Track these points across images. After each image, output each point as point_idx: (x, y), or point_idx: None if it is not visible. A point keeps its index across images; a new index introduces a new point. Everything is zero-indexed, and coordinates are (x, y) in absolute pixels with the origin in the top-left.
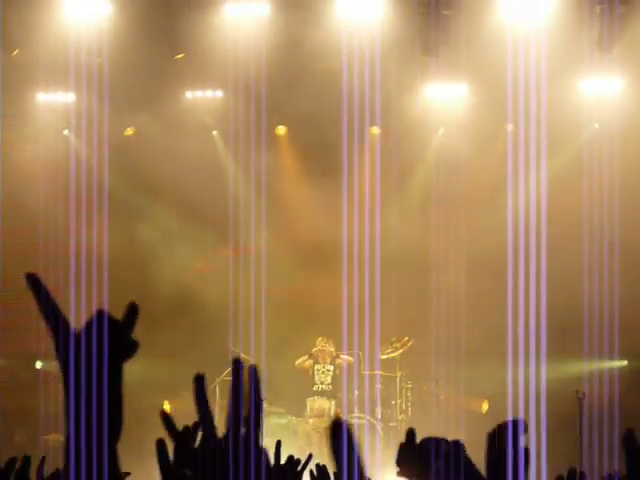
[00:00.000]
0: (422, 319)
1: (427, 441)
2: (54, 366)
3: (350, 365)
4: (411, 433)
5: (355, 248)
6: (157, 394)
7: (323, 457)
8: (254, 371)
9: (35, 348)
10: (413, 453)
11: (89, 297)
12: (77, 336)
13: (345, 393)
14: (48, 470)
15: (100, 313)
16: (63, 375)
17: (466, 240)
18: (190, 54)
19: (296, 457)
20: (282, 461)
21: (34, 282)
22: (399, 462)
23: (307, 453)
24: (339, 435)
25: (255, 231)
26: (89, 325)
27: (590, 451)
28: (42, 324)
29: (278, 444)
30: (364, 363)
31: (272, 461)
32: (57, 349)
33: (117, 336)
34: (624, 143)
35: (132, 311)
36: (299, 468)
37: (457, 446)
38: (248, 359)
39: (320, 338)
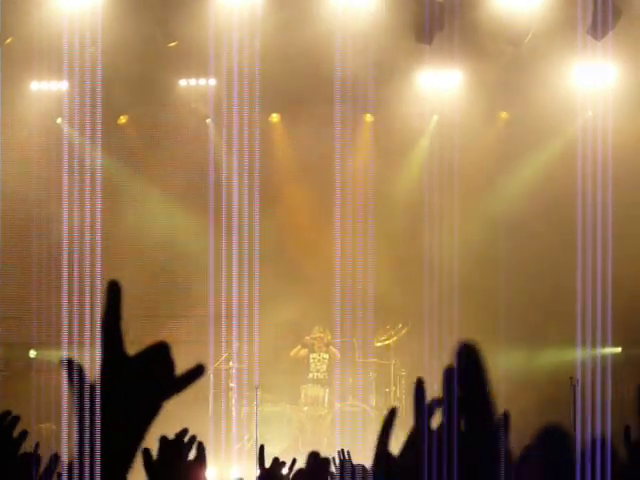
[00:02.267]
0: (416, 306)
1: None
2: (47, 355)
3: (334, 358)
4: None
5: (349, 234)
6: None
7: (316, 444)
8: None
9: (29, 337)
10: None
11: (81, 283)
12: (130, 360)
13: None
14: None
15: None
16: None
17: (460, 228)
18: (183, 42)
19: (281, 459)
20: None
21: (114, 291)
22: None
23: (300, 440)
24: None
25: (248, 217)
26: (145, 353)
27: (583, 438)
28: (38, 314)
29: (261, 449)
30: (358, 351)
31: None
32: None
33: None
34: (618, 130)
35: (197, 372)
36: (286, 471)
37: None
38: (240, 345)
39: (317, 327)
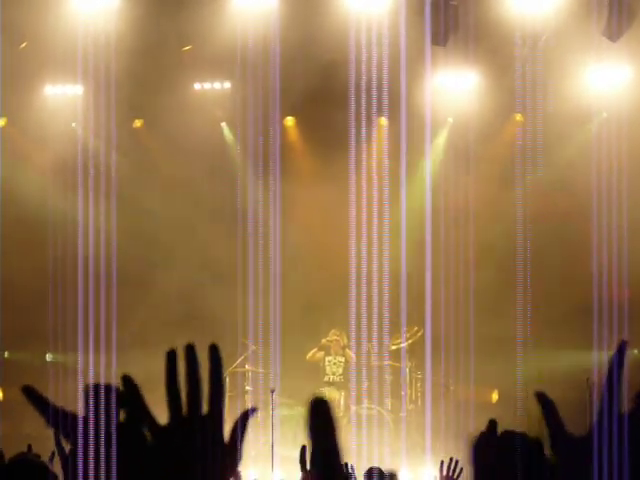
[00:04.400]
0: (432, 309)
1: (508, 434)
2: (64, 358)
3: (350, 361)
4: (493, 423)
5: (364, 238)
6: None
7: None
8: (214, 350)
9: (45, 341)
10: (492, 443)
11: (97, 289)
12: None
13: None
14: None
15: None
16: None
17: (475, 229)
18: (198, 45)
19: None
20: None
21: (29, 394)
22: (475, 448)
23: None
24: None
25: (263, 221)
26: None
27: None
28: (52, 317)
29: (303, 450)
30: (373, 354)
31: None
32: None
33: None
34: (632, 131)
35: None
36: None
37: (538, 444)
38: (257, 350)
39: (333, 330)
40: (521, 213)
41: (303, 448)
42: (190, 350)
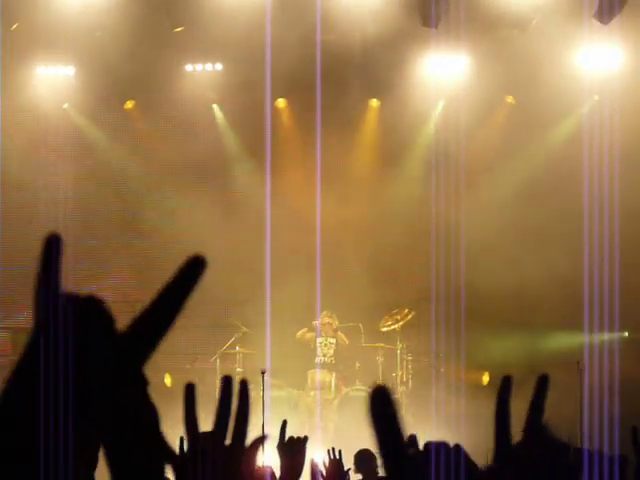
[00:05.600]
0: (423, 291)
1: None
2: None
3: (343, 343)
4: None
5: (356, 219)
6: (159, 367)
7: (323, 429)
8: (244, 386)
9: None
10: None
11: (93, 275)
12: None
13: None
14: None
15: None
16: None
17: (466, 212)
18: (190, 27)
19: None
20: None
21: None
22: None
23: (307, 426)
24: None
25: (256, 202)
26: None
27: (591, 422)
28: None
29: (284, 425)
30: (364, 335)
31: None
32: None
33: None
34: (624, 114)
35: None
36: (280, 438)
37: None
38: (248, 332)
39: (325, 312)
40: (512, 196)
41: (284, 422)
42: (227, 383)
